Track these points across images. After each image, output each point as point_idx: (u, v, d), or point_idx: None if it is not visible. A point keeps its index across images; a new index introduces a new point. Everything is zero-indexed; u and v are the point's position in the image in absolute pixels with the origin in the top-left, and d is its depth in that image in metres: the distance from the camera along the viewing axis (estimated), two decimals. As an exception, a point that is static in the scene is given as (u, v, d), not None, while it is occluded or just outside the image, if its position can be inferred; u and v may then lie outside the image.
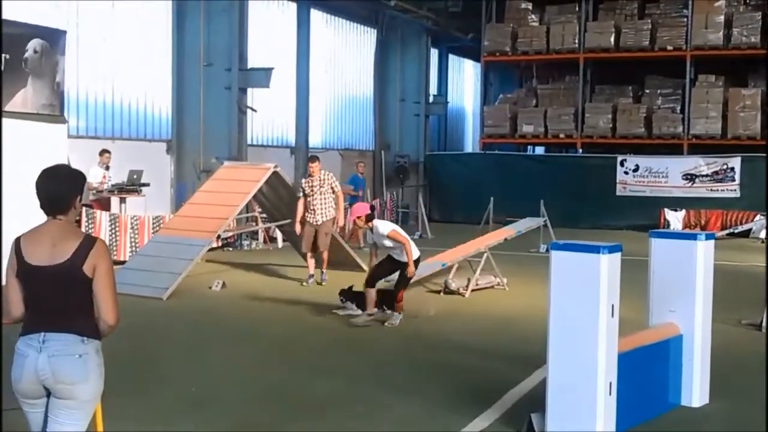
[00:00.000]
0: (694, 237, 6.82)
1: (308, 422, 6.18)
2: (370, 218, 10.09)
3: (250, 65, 19.05)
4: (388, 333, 9.47)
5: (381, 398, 6.82)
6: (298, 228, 12.70)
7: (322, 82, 23.83)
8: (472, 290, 11.97)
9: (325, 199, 12.64)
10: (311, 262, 12.85)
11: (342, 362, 8.16)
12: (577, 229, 20.12)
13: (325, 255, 12.81)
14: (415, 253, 9.89)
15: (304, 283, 12.69)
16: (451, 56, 32.23)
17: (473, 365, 8.01)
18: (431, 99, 28.71)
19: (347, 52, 25.28)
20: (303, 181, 12.91)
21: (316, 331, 9.61)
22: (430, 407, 6.52)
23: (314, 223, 12.60)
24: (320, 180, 12.63)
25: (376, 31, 26.13)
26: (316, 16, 23.24)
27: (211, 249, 14.35)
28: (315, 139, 23.37)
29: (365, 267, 12.39)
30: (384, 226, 9.99)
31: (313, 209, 12.60)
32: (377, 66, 26.27)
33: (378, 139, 26.40)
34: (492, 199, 19.42)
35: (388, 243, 9.85)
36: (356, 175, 19.83)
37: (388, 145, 26.67)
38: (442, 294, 11.96)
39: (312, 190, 12.60)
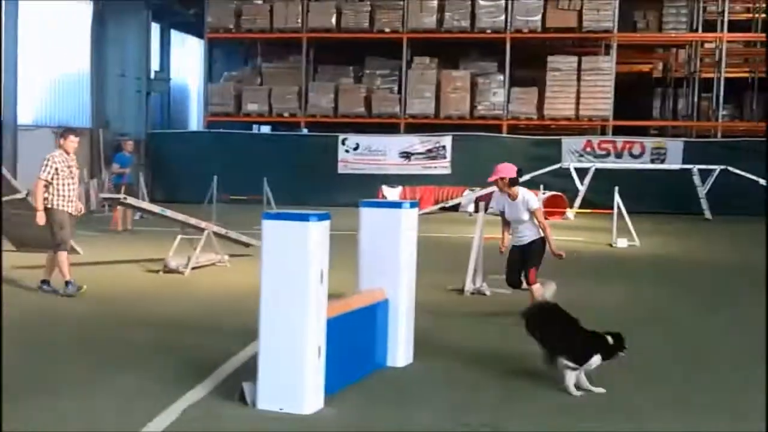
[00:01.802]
0: (399, 206, 7.16)
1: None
2: (514, 183, 8.55)
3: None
4: (99, 311, 9.13)
5: (93, 376, 6.56)
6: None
7: (32, 56, 22.33)
8: (193, 268, 11.83)
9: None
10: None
11: (48, 338, 7.77)
12: (304, 206, 20.42)
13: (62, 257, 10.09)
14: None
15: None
16: (173, 32, 31.38)
17: (190, 341, 7.91)
18: (153, 75, 27.87)
19: (60, 23, 23.86)
20: (55, 159, 9.95)
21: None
22: (143, 383, 6.37)
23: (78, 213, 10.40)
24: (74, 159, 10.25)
25: (92, 2, 24.88)
26: (24, -17, 21.72)
27: None
28: (26, 117, 21.91)
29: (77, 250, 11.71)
30: (534, 199, 8.55)
31: (70, 194, 10.09)
32: (94, 40, 25.04)
33: (95, 116, 25.23)
34: (216, 177, 19.26)
35: (526, 217, 8.56)
36: (123, 153, 18.79)
37: (107, 123, 25.58)
38: (161, 273, 11.72)
39: (71, 172, 10.09)
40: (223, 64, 30.56)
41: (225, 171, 20.94)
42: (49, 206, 9.95)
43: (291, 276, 5.65)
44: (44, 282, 10.26)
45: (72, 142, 10.16)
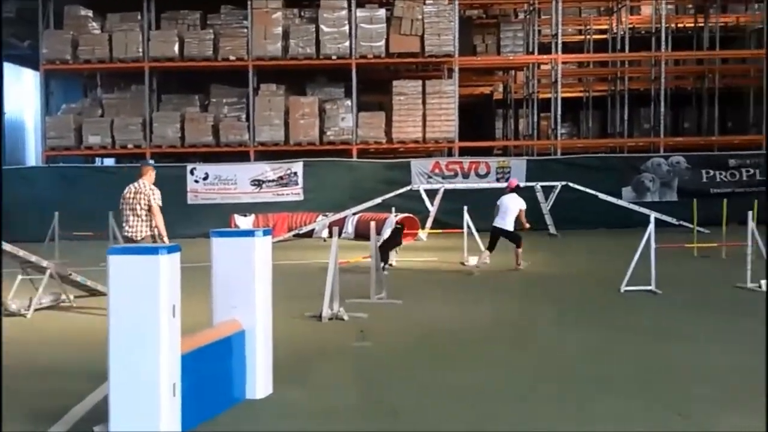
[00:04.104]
0: (252, 234, 7.03)
1: None
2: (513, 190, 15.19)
3: None
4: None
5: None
6: None
7: None
8: (36, 309, 11.23)
9: None
10: None
11: None
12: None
13: None
14: None
15: None
16: (7, 64, 30.00)
17: (37, 387, 7.48)
18: (-17, 109, 26.48)
19: None
20: None
21: None
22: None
23: None
24: None
25: None
26: None
27: None
28: None
29: None
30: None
31: None
32: None
33: (-76, 154, 23.73)
34: (57, 213, 18.47)
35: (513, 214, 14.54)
36: None
37: (-63, 161, 24.10)
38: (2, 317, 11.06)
39: None
40: (62, 97, 29.39)
41: (67, 206, 20.10)
42: None
43: (141, 312, 5.44)
44: None
45: None
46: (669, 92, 28.29)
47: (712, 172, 24.73)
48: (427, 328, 10.06)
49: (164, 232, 10.74)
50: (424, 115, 25.45)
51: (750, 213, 12.60)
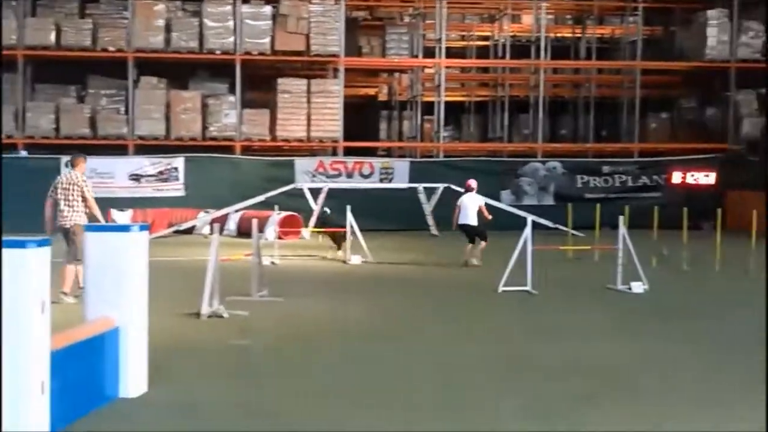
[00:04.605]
0: (127, 229, 6.85)
1: None
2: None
3: None
4: None
5: None
6: None
7: None
8: None
9: None
10: None
11: None
12: (24, 233, 19.07)
13: None
14: None
15: None
16: None
17: None
18: None
19: None
20: None
21: None
22: None
23: None
24: None
25: None
26: None
27: None
28: None
29: None
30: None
31: None
32: None
33: None
34: None
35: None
36: None
37: None
38: None
39: None
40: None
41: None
42: None
43: (8, 308, 5.19)
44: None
45: None
46: (547, 100, 29.12)
47: (586, 178, 25.60)
48: (308, 326, 10.04)
49: (102, 219, 11.63)
50: (309, 114, 25.37)
51: (621, 218, 13.09)
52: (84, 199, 11.16)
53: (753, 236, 15.12)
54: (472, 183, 16.63)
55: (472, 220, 16.02)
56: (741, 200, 23.38)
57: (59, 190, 11.19)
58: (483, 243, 16.00)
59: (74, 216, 11.10)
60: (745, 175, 25.47)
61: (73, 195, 11.11)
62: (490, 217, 16.19)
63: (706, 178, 25.60)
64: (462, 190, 16.75)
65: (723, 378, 7.68)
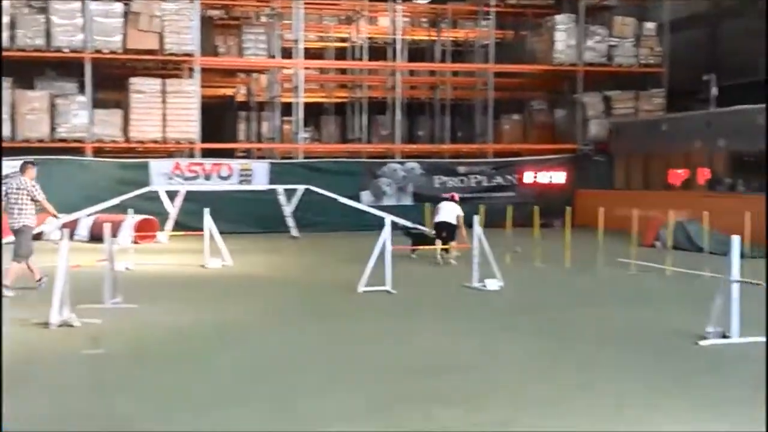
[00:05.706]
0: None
1: None
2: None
3: None
4: None
5: None
6: None
7: None
8: None
9: None
10: None
11: None
12: None
13: None
14: None
15: None
16: None
17: None
18: None
19: None
20: None
21: None
22: None
23: None
24: None
25: None
26: None
27: None
28: None
29: None
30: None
31: None
32: None
33: None
34: None
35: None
36: None
37: None
38: None
39: None
40: None
41: None
42: None
43: None
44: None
45: None
46: (405, 101, 29.54)
47: (443, 178, 26.12)
48: (161, 332, 9.80)
49: (57, 215, 13.60)
50: (164, 115, 24.75)
51: (476, 217, 13.40)
52: (35, 202, 12.40)
53: (600, 232, 15.77)
54: (456, 196, 17.85)
55: (451, 220, 16.68)
56: (589, 198, 24.48)
57: (11, 195, 12.31)
58: (452, 243, 16.61)
59: (23, 218, 12.26)
60: (593, 174, 26.70)
61: (22, 199, 12.27)
62: (465, 232, 16.39)
63: (557, 177, 26.65)
64: (323, 192, 16.84)
65: (563, 366, 7.97)
